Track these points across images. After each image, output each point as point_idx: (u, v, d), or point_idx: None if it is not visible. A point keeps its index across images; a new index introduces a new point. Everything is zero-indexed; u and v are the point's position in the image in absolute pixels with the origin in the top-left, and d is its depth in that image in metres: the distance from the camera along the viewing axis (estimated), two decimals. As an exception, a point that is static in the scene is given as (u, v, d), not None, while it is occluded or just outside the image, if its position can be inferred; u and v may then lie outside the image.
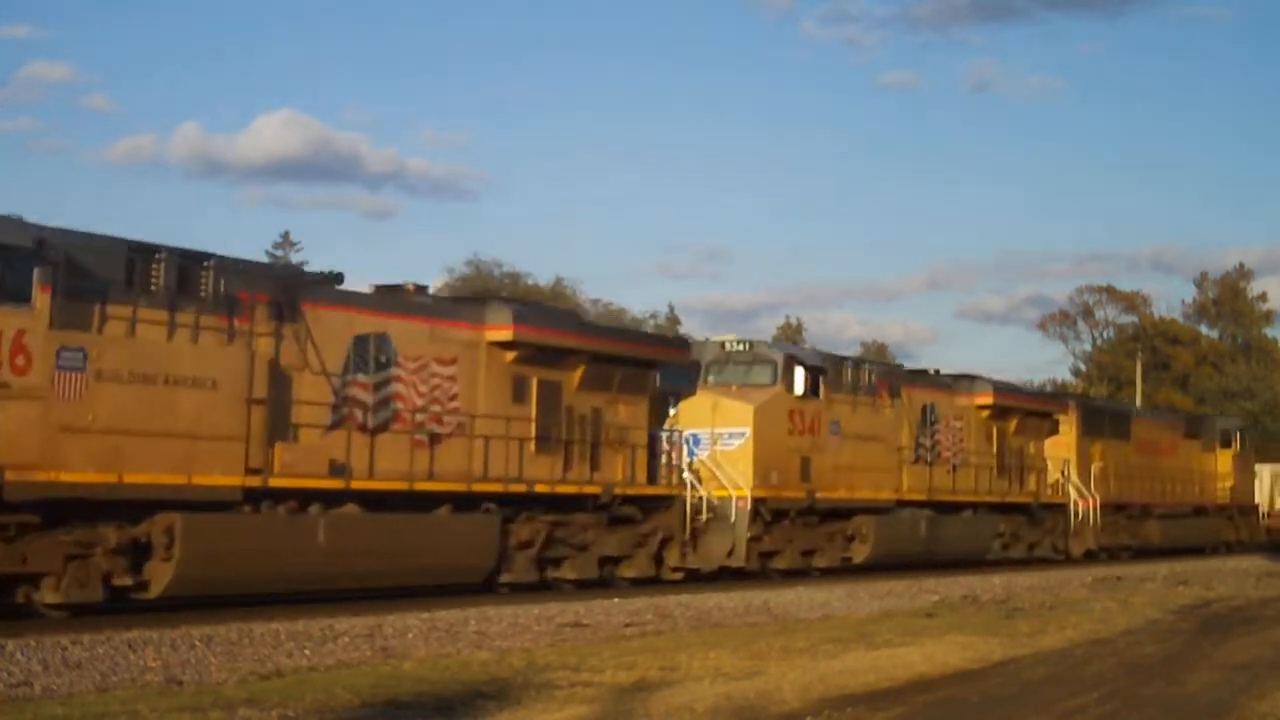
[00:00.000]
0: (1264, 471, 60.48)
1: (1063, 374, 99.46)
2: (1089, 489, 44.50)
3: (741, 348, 32.09)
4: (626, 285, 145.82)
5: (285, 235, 75.45)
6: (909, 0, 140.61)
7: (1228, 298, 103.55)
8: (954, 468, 38.27)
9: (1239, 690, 14.66)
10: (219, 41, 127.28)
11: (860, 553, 33.70)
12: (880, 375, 35.54)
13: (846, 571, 34.04)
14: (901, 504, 35.64)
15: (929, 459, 37.01)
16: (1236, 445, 57.11)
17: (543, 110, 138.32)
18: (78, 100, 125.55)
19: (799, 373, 31.66)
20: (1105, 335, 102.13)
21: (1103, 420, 47.77)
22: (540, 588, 26.29)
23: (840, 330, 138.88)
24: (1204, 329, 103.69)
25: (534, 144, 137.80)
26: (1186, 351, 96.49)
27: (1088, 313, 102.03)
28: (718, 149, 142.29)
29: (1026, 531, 42.21)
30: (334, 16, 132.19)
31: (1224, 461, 56.29)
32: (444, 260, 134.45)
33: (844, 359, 36.21)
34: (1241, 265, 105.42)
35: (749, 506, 30.13)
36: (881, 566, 33.90)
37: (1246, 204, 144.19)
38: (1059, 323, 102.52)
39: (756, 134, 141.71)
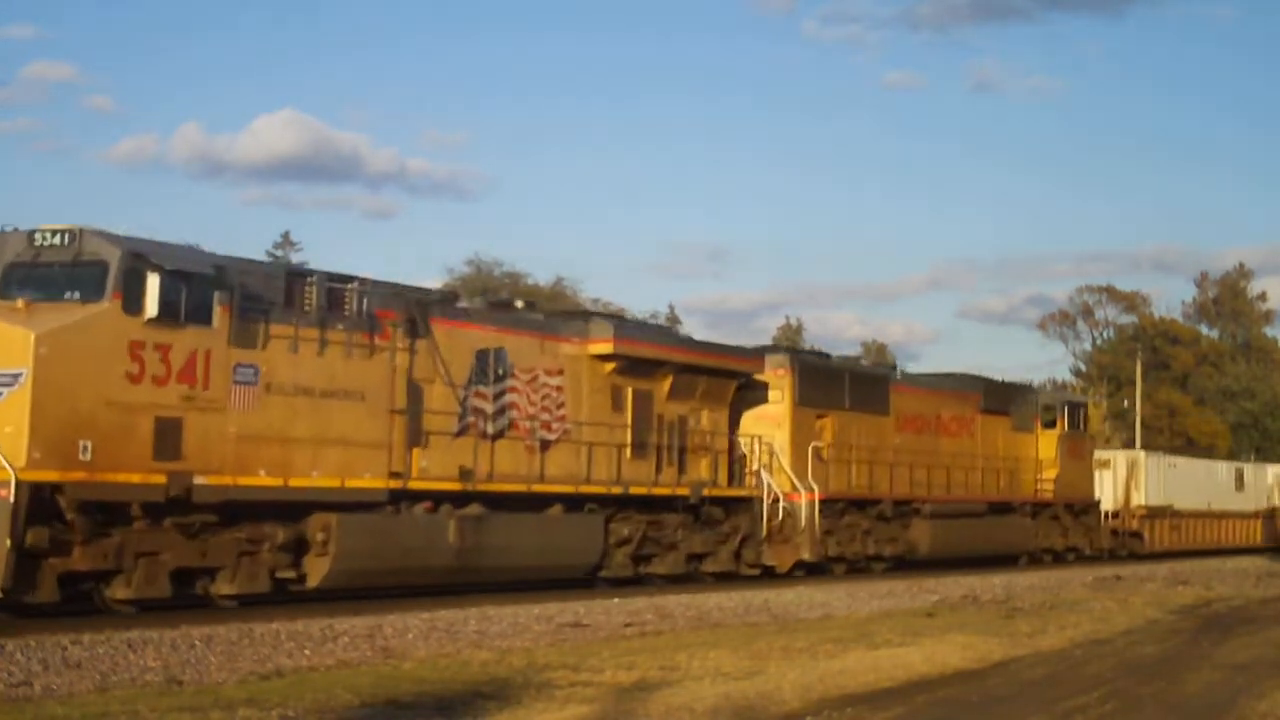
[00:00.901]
0: (1119, 459, 51.08)
1: (1063, 374, 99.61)
2: (806, 478, 32.62)
3: (59, 240, 19.85)
4: (627, 285, 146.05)
5: (285, 235, 75.51)
6: (910, 1, 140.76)
7: (1228, 298, 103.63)
8: (542, 445, 26.54)
9: (1239, 690, 14.66)
10: (220, 41, 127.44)
11: (317, 570, 22.08)
12: (381, 301, 23.31)
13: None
14: (403, 496, 23.67)
15: (487, 430, 25.29)
16: (1063, 425, 43.90)
17: (543, 110, 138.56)
18: (79, 100, 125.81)
19: (153, 282, 19.57)
20: (1105, 335, 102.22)
21: (836, 385, 34.90)
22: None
23: (841, 330, 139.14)
24: (1204, 329, 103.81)
25: (535, 144, 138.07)
26: (1186, 351, 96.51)
27: (1088, 313, 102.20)
28: (718, 149, 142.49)
29: (690, 536, 29.88)
30: (335, 16, 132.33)
31: (1046, 445, 43.06)
32: (445, 260, 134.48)
33: (282, 267, 27.02)
34: (1241, 265, 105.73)
35: None
36: (349, 594, 23.35)
37: (1246, 204, 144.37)
38: (1059, 323, 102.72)
39: (757, 134, 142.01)
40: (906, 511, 36.79)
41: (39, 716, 11.55)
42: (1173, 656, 17.88)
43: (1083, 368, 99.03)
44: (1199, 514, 54.12)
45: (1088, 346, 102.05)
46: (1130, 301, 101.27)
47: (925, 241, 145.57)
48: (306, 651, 16.48)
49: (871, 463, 35.37)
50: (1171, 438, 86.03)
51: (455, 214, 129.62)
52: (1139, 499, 50.19)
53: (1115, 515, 48.91)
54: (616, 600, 25.28)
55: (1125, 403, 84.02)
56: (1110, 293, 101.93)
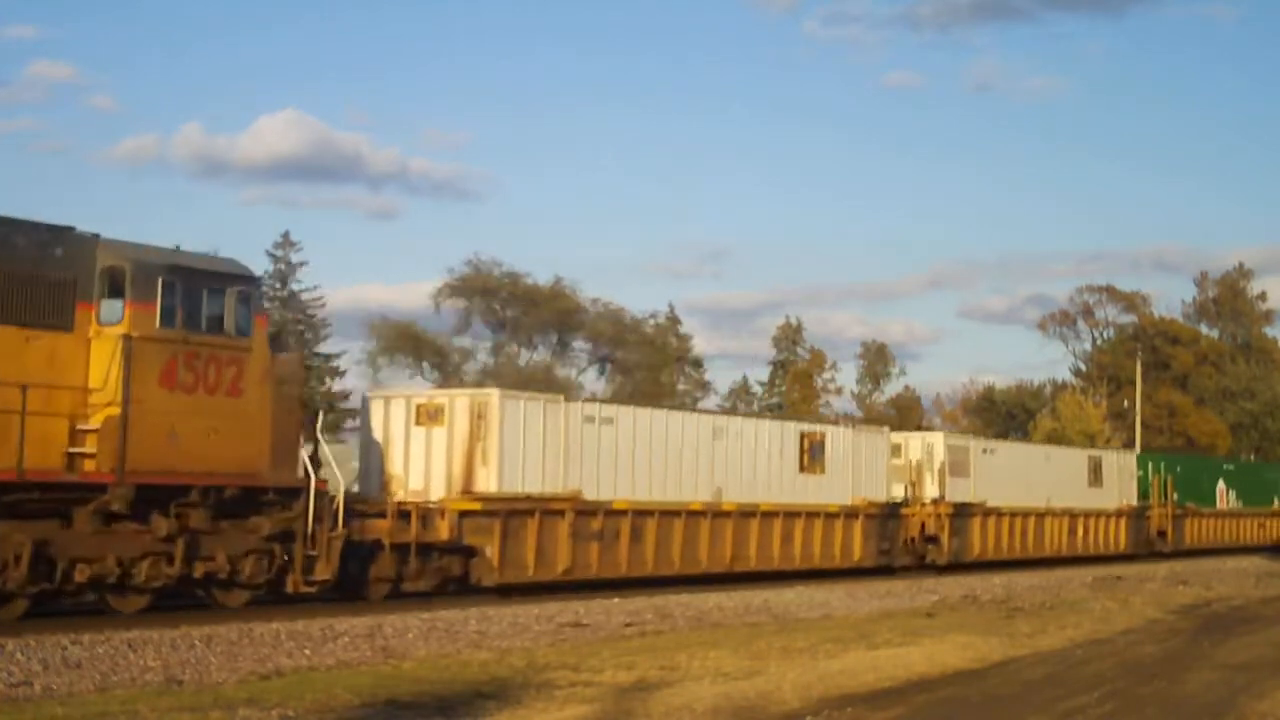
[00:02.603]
0: (911, 443, 40.72)
1: (1063, 374, 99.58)
2: None
3: None
4: (627, 284, 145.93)
5: (285, 235, 75.48)
6: (911, 1, 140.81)
7: (1228, 297, 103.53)
8: None
9: (1238, 690, 14.66)
10: (221, 41, 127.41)
11: None
12: None
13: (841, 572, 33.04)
14: None
15: None
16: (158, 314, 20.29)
17: (545, 110, 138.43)
18: (81, 100, 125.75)
19: None
20: (1105, 335, 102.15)
21: None
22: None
23: (842, 330, 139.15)
24: (1204, 329, 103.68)
25: (535, 144, 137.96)
26: (1186, 351, 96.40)
27: (1088, 312, 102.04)
28: (719, 149, 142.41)
29: None
30: (336, 16, 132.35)
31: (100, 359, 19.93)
32: (446, 260, 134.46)
33: None
34: (1241, 265, 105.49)
35: None
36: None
37: (1246, 204, 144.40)
38: (1059, 323, 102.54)
39: (758, 134, 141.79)
40: None
41: (39, 716, 11.55)
42: (1173, 656, 17.88)
43: (1083, 368, 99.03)
44: (1033, 512, 43.19)
45: (1088, 346, 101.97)
46: (1130, 301, 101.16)
47: (925, 241, 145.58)
48: (306, 651, 16.49)
49: None
50: (1171, 438, 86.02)
51: (456, 214, 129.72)
52: (933, 492, 39.19)
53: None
54: (616, 600, 25.29)
55: (1125, 403, 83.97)
56: (1110, 293, 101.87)
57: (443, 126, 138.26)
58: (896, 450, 38.99)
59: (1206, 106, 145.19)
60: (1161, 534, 50.50)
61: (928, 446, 40.24)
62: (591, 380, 78.08)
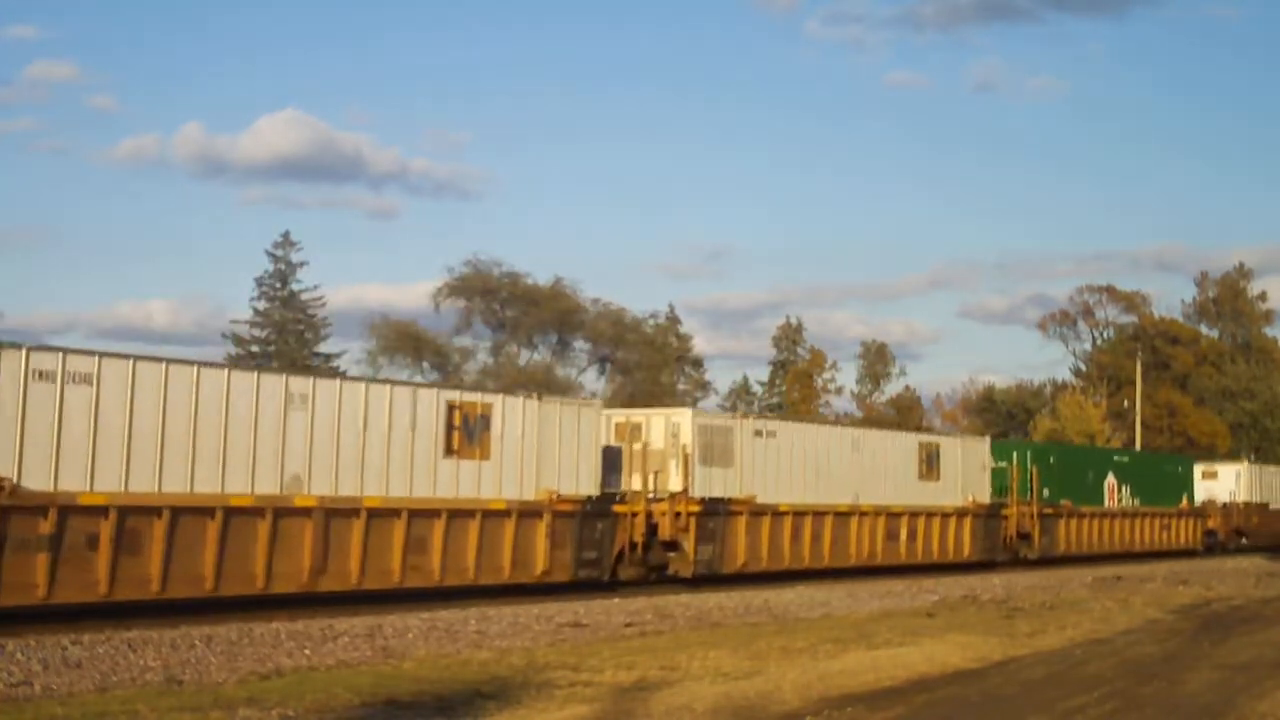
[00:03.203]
0: (653, 422, 32.08)
1: (1063, 374, 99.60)
2: None
3: None
4: (627, 284, 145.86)
5: (285, 235, 75.53)
6: (913, 1, 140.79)
7: (1228, 297, 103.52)
8: None
9: (1239, 690, 14.65)
10: (222, 41, 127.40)
11: None
12: None
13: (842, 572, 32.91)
14: None
15: None
16: None
17: (545, 110, 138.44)
18: (82, 100, 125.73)
19: None
20: (1105, 335, 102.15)
21: None
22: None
23: (842, 330, 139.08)
24: (1204, 329, 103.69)
25: (536, 144, 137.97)
26: (1186, 351, 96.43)
27: (1088, 312, 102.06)
28: (719, 148, 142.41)
29: None
30: (336, 16, 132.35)
31: None
32: (446, 260, 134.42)
33: None
34: (1241, 265, 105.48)
35: None
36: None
37: (1246, 204, 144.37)
38: (1059, 323, 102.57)
39: (759, 134, 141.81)
40: None
41: (39, 716, 11.55)
42: (1173, 656, 17.87)
43: (1083, 368, 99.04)
44: (829, 511, 34.94)
45: (1088, 346, 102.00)
46: (1130, 301, 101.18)
47: (926, 241, 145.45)
48: (306, 651, 16.48)
49: None
50: (1171, 438, 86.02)
51: (457, 214, 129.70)
52: (675, 484, 31.11)
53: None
54: (616, 600, 25.29)
55: (1125, 403, 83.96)
56: (1110, 293, 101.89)
57: (443, 126, 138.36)
58: (636, 432, 31.74)
59: (1207, 107, 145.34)
60: (1026, 537, 42.58)
61: (673, 427, 31.79)
62: (591, 380, 78.23)
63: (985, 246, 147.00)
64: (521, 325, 76.20)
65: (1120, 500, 49.10)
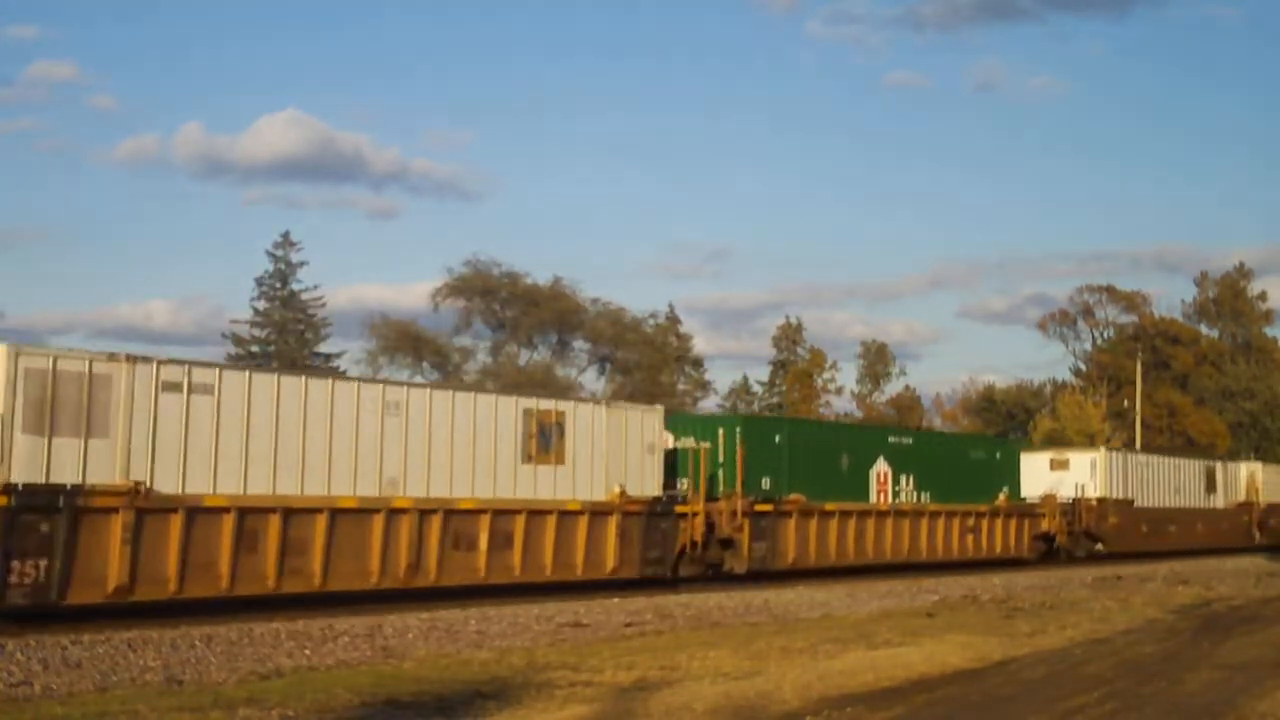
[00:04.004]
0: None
1: (1063, 374, 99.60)
2: None
3: None
4: (627, 284, 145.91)
5: (285, 235, 75.51)
6: (913, 1, 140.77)
7: (1228, 297, 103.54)
8: None
9: (1239, 690, 14.64)
10: (223, 41, 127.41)
11: None
12: None
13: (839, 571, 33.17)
14: None
15: None
16: None
17: (546, 110, 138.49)
18: (82, 100, 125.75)
19: None
20: (1105, 335, 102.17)
21: None
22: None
23: (842, 330, 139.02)
24: (1204, 329, 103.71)
25: (537, 143, 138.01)
26: (1186, 351, 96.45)
27: (1088, 312, 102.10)
28: (720, 148, 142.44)
29: None
30: (337, 16, 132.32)
31: None
32: (446, 260, 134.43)
33: None
34: (1241, 265, 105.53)
35: None
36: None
37: (1246, 204, 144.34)
38: (1059, 322, 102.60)
39: (759, 133, 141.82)
40: None
41: (39, 716, 11.55)
42: (1173, 656, 17.87)
43: (1083, 368, 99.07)
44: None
45: (1088, 346, 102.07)
46: (1130, 301, 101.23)
47: (926, 241, 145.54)
48: (306, 651, 16.48)
49: None
50: (1171, 437, 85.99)
51: (457, 214, 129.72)
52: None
53: None
54: (616, 600, 25.28)
55: (1125, 403, 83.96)
56: (1110, 292, 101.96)
57: (444, 126, 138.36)
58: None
59: (1208, 107, 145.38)
60: (730, 544, 32.21)
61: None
62: (591, 380, 78.22)
63: (985, 246, 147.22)
64: (521, 325, 76.18)
65: (897, 495, 37.78)
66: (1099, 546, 47.37)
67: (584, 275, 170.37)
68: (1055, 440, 70.44)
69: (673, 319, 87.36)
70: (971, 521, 40.56)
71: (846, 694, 13.58)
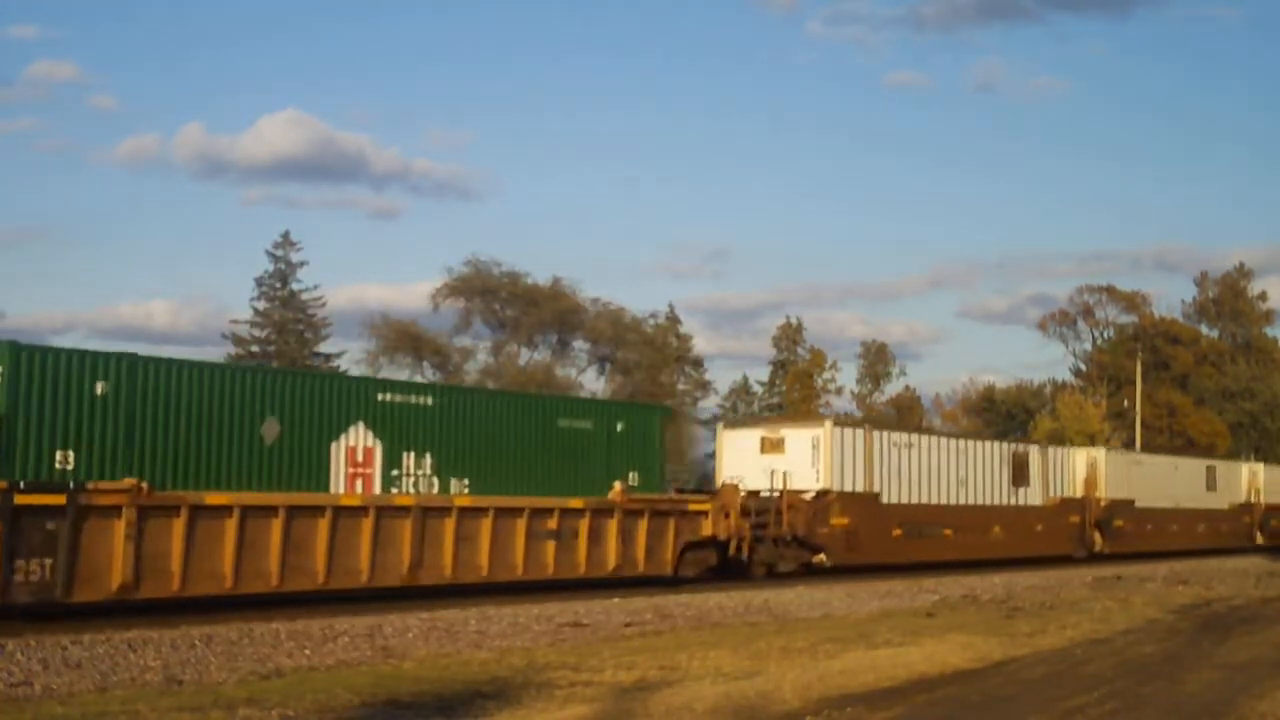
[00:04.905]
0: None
1: (1063, 374, 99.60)
2: None
3: None
4: (627, 284, 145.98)
5: (285, 235, 75.50)
6: (914, 1, 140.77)
7: (1228, 297, 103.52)
8: None
9: (1239, 690, 14.64)
10: (223, 41, 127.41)
11: None
12: None
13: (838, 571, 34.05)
14: None
15: None
16: None
17: (546, 110, 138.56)
18: (82, 100, 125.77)
19: None
20: (1105, 335, 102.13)
21: None
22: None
23: (842, 330, 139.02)
24: (1204, 329, 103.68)
25: (537, 143, 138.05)
26: (1186, 351, 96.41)
27: (1088, 312, 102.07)
28: (721, 148, 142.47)
29: None
30: (338, 16, 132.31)
31: None
32: (446, 260, 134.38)
33: None
34: (1242, 265, 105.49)
35: None
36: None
37: (1246, 204, 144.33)
38: (1059, 323, 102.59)
39: (760, 133, 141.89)
40: None
41: (39, 716, 11.54)
42: (1173, 656, 17.86)
43: (1083, 368, 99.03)
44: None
45: (1088, 346, 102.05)
46: (1130, 301, 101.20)
47: (926, 241, 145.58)
48: (306, 651, 16.48)
49: None
50: (1171, 438, 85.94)
51: (457, 214, 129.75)
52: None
53: None
54: (616, 600, 25.27)
55: (1125, 402, 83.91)
56: (1110, 292, 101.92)
57: (445, 126, 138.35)
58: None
59: (1208, 107, 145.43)
60: None
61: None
62: (591, 380, 78.20)
63: (985, 246, 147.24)
64: (521, 325, 76.15)
65: (394, 483, 25.12)
66: (820, 559, 35.50)
67: (584, 275, 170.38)
68: (1054, 439, 69.52)
69: (673, 319, 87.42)
70: (553, 524, 27.40)
71: (847, 694, 13.58)
